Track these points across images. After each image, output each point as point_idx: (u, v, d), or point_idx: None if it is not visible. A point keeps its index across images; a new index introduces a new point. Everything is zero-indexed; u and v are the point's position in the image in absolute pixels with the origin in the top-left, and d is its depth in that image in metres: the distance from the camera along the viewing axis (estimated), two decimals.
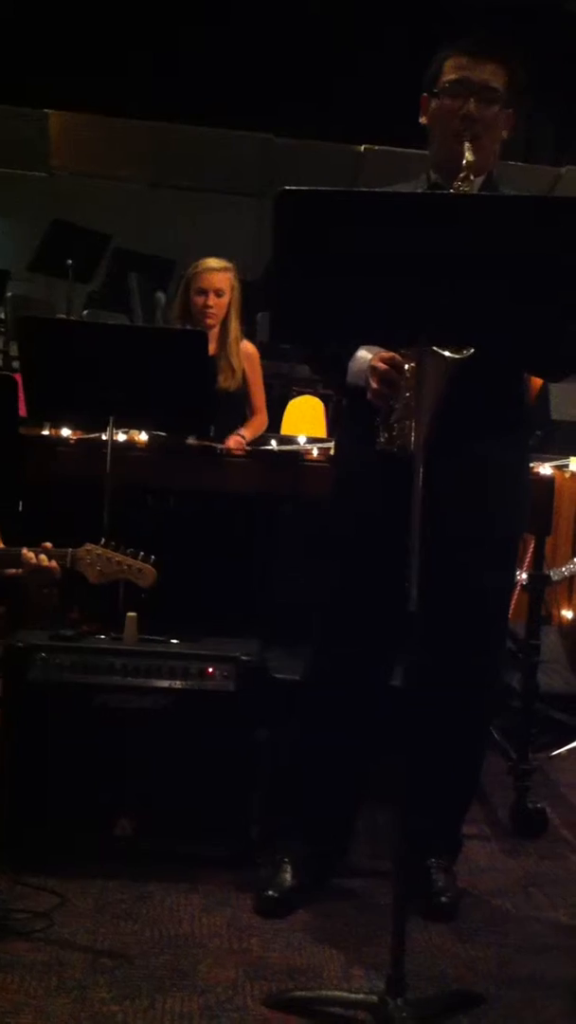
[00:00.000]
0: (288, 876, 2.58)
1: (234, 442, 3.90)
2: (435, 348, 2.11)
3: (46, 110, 8.58)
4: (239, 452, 3.65)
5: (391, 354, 2.36)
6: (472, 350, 2.13)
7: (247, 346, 4.22)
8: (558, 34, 8.66)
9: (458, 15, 7.33)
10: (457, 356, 2.14)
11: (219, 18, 8.47)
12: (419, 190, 2.50)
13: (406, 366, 2.32)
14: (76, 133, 8.77)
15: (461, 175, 2.30)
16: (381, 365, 2.36)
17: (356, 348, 2.46)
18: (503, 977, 2.34)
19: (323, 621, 2.64)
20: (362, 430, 2.46)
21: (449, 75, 2.43)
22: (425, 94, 2.48)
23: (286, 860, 2.61)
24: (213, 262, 4.07)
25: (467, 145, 2.33)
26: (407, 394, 2.32)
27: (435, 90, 2.45)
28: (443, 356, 2.13)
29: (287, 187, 1.98)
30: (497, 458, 2.51)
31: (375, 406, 2.39)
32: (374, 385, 2.36)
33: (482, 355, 2.15)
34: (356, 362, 2.45)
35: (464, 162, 2.31)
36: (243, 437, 4.03)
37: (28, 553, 2.50)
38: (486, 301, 2.05)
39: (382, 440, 2.39)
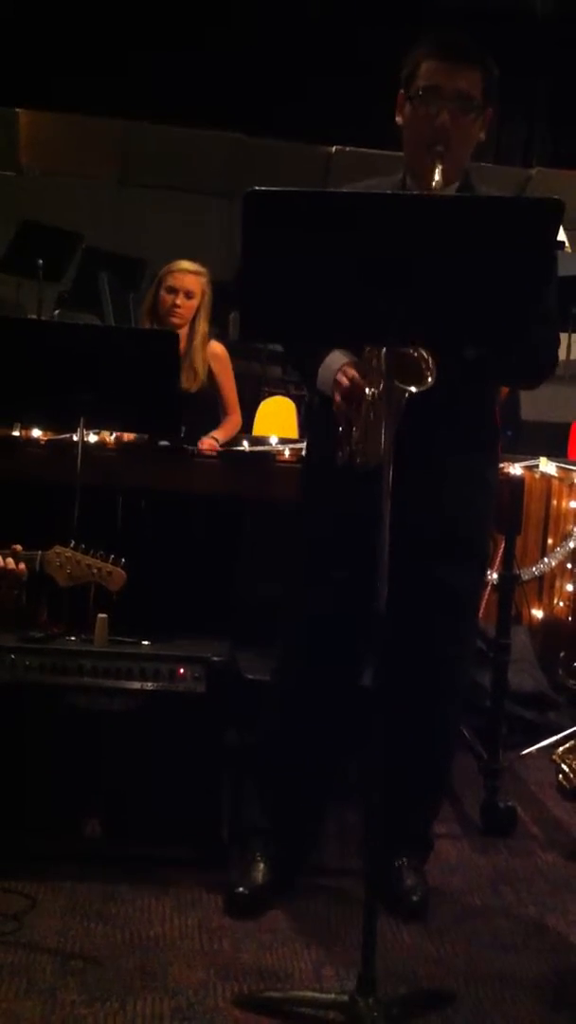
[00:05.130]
0: (260, 874, 2.59)
1: (207, 445, 3.90)
2: (397, 383, 2.12)
3: (16, 109, 8.54)
4: (210, 453, 3.65)
5: (354, 372, 2.37)
6: (431, 383, 2.14)
7: (215, 347, 4.23)
8: (528, 35, 8.71)
9: (430, 17, 7.37)
10: (418, 390, 2.15)
11: (191, 17, 8.46)
12: (392, 191, 2.50)
13: (367, 390, 2.33)
14: (46, 132, 8.73)
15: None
16: (344, 380, 2.36)
17: (326, 351, 2.47)
18: (473, 975, 2.35)
19: (292, 622, 2.64)
20: (330, 434, 2.46)
21: (423, 81, 2.38)
22: (402, 91, 2.45)
23: (257, 859, 2.61)
24: (187, 264, 4.10)
25: (438, 168, 2.30)
26: (370, 415, 2.33)
27: (409, 94, 2.42)
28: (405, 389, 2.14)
29: (255, 187, 1.98)
30: (460, 463, 2.52)
31: (337, 419, 2.40)
32: (337, 399, 2.37)
33: (446, 366, 2.16)
34: (325, 370, 2.45)
35: (432, 183, 2.29)
36: (216, 440, 4.03)
37: None
38: (452, 300, 2.07)
39: (341, 456, 2.40)
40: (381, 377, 2.19)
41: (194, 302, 4.08)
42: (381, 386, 2.21)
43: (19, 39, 8.10)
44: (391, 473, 2.10)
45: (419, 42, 2.42)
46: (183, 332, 4.06)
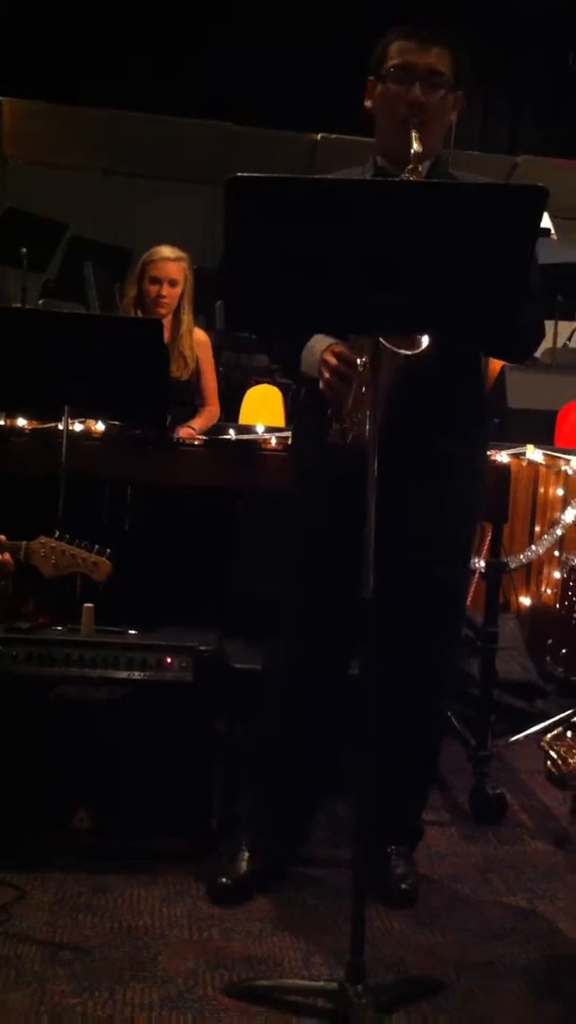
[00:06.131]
0: (244, 864, 2.58)
1: (184, 433, 3.88)
2: (388, 345, 2.11)
3: (0, 98, 8.49)
4: (195, 442, 3.64)
5: (342, 348, 2.36)
6: (425, 345, 2.13)
7: (199, 334, 4.22)
8: (515, 24, 8.69)
9: (413, 5, 7.33)
10: (411, 352, 2.13)
11: (177, 6, 8.42)
12: (367, 176, 2.50)
13: (358, 360, 2.32)
14: (30, 121, 8.68)
15: (409, 166, 2.29)
16: (332, 359, 2.35)
17: (309, 337, 2.45)
18: (462, 962, 2.35)
19: (281, 612, 2.63)
20: (318, 420, 2.45)
21: (394, 59, 2.40)
22: (371, 78, 2.46)
23: (244, 849, 2.60)
24: (167, 251, 4.07)
25: (414, 135, 2.30)
26: (362, 389, 2.31)
27: (380, 74, 2.43)
28: (395, 351, 2.12)
29: (239, 173, 1.97)
30: (450, 449, 2.51)
31: (326, 398, 2.39)
32: (326, 375, 2.36)
33: (436, 346, 2.15)
34: (309, 352, 2.44)
35: (412, 152, 2.29)
36: (193, 428, 4.01)
37: None
38: (438, 285, 2.06)
39: (333, 432, 2.39)
40: (371, 346, 2.18)
41: (178, 289, 4.07)
42: (370, 357, 2.19)
43: (3, 29, 8.04)
44: (376, 460, 2.09)
45: (387, 31, 2.44)
46: (168, 321, 4.04)
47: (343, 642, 2.51)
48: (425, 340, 2.13)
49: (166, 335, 3.98)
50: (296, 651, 2.58)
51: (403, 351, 2.13)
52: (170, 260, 4.05)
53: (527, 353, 2.62)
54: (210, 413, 4.23)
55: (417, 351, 2.13)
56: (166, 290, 4.03)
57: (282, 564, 2.64)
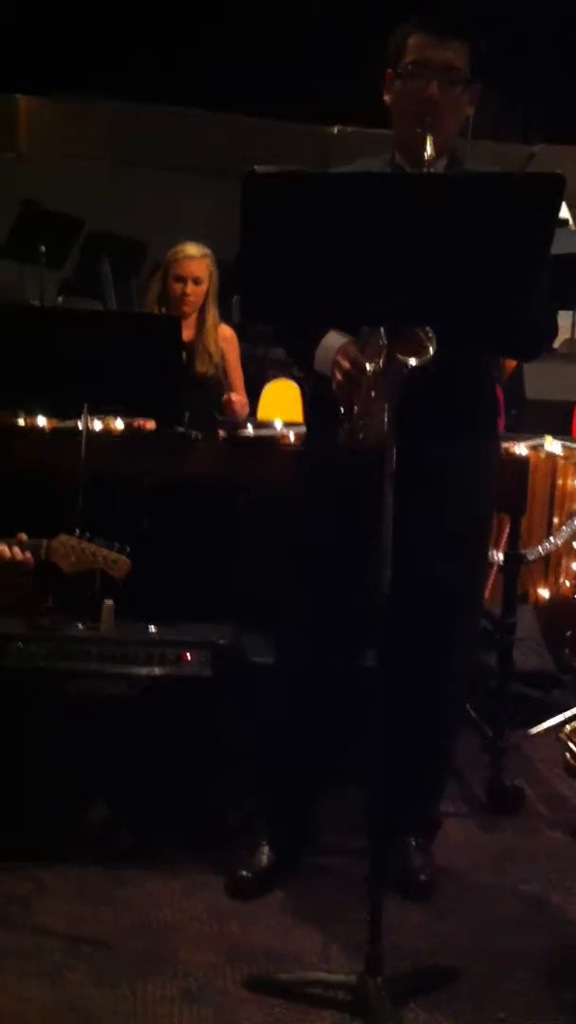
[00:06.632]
0: (263, 857, 2.60)
1: (235, 399, 3.94)
2: (397, 355, 2.12)
3: (15, 95, 8.51)
4: (239, 406, 3.86)
5: (354, 350, 2.37)
6: (432, 354, 2.14)
7: (225, 330, 4.22)
8: (525, 11, 8.62)
9: None
10: (419, 363, 2.14)
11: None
12: (385, 169, 2.50)
13: (368, 365, 2.33)
14: (45, 117, 8.70)
15: (424, 168, 2.29)
16: (344, 362, 2.36)
17: (323, 333, 2.47)
18: (479, 953, 2.37)
19: (293, 606, 2.64)
20: (330, 416, 2.47)
21: (411, 55, 2.39)
22: (389, 71, 2.45)
23: (262, 841, 2.62)
24: (192, 249, 4.06)
25: (429, 139, 2.30)
26: (371, 393, 2.32)
27: (397, 69, 2.42)
28: (406, 361, 2.14)
29: (255, 167, 1.98)
30: (457, 448, 2.52)
31: (337, 398, 2.41)
32: (338, 377, 2.37)
33: (446, 348, 2.16)
34: (323, 350, 2.45)
35: (425, 156, 2.29)
36: (239, 398, 4.06)
37: (1, 545, 2.49)
38: (451, 279, 2.06)
39: (343, 432, 2.40)
40: (381, 352, 2.19)
41: (203, 287, 4.05)
42: (382, 361, 2.21)
43: (17, 25, 8.05)
44: (394, 452, 2.11)
45: (405, 19, 2.43)
46: (193, 318, 4.06)
47: (351, 637, 2.52)
48: (432, 349, 2.13)
49: (191, 331, 4.02)
50: (304, 647, 2.59)
51: (412, 361, 2.13)
52: (194, 258, 4.03)
53: (538, 351, 2.61)
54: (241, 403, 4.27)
55: (426, 360, 2.14)
56: (190, 288, 4.02)
57: (293, 557, 2.66)
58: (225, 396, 3.98)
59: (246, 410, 4.27)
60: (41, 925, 2.39)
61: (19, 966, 2.22)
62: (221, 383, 4.20)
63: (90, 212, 7.13)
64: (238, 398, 3.99)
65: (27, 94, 8.50)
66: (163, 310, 4.07)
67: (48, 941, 2.32)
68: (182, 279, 4.03)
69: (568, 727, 3.53)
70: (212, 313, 4.12)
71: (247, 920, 2.45)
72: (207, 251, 4.09)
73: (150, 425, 3.61)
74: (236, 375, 4.28)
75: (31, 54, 8.09)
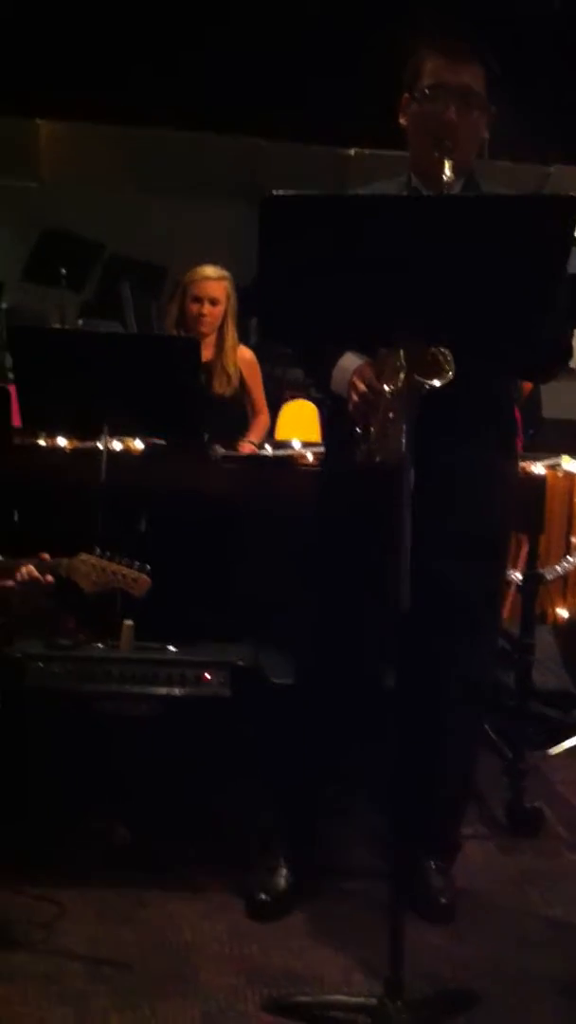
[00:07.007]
0: (282, 880, 2.60)
1: (247, 449, 3.93)
2: (415, 376, 2.13)
3: (36, 120, 8.59)
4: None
5: (369, 373, 2.38)
6: (450, 376, 2.15)
7: (245, 352, 4.26)
8: (541, 30, 8.65)
9: (443, 14, 7.33)
10: (436, 384, 2.15)
11: (206, 24, 8.47)
12: (401, 192, 2.52)
13: (385, 388, 2.34)
14: (65, 142, 8.77)
15: (441, 191, 2.30)
16: (360, 384, 2.38)
17: (340, 354, 2.48)
18: (500, 975, 2.36)
19: (310, 625, 2.65)
20: (347, 436, 2.48)
21: (428, 79, 2.41)
22: (406, 93, 2.48)
23: (280, 863, 2.62)
24: (209, 270, 4.10)
25: (448, 163, 2.32)
26: (388, 414, 2.33)
27: (414, 93, 2.45)
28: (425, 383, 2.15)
29: (273, 191, 2.00)
30: (477, 460, 2.52)
31: (354, 419, 2.42)
32: (354, 398, 2.38)
33: (463, 366, 2.17)
34: (340, 371, 2.46)
35: (444, 179, 2.31)
36: (253, 444, 4.05)
37: (24, 566, 2.50)
38: (468, 301, 2.07)
39: (360, 452, 2.41)
40: (399, 373, 2.20)
41: (220, 308, 4.10)
42: (399, 382, 2.22)
43: (37, 51, 8.14)
44: (412, 472, 2.11)
45: (420, 41, 2.46)
46: (212, 339, 4.09)
47: (369, 656, 2.52)
48: (451, 371, 2.14)
49: (210, 352, 4.06)
50: (322, 666, 2.60)
51: (431, 382, 2.14)
52: (211, 279, 4.08)
53: (555, 370, 2.60)
54: (262, 422, 4.32)
55: (445, 382, 2.15)
56: (207, 309, 4.06)
57: (312, 576, 2.67)
58: (241, 445, 3.99)
59: (267, 426, 4.34)
60: (64, 948, 2.39)
61: (43, 990, 2.22)
62: (241, 403, 4.23)
63: (110, 237, 7.19)
64: (251, 449, 4.01)
65: (48, 119, 8.57)
66: (181, 332, 4.11)
67: (71, 964, 2.32)
68: (199, 300, 4.07)
69: None
70: (231, 334, 4.16)
71: (267, 942, 2.45)
72: (225, 273, 4.13)
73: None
74: (259, 395, 4.33)
75: (52, 79, 8.17)
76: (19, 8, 7.99)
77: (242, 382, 4.22)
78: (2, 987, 2.22)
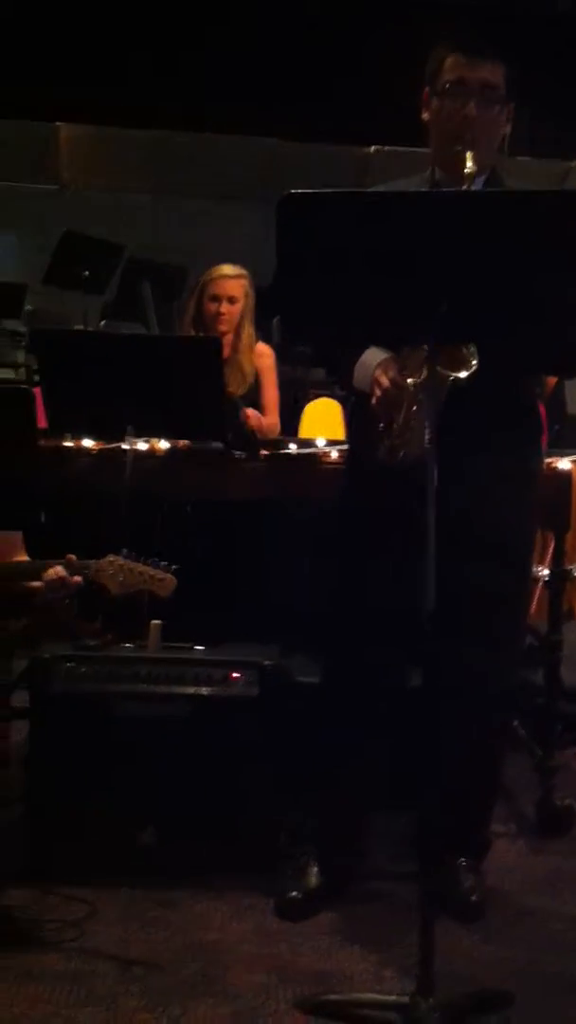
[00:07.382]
0: (312, 878, 2.60)
1: (251, 411, 3.90)
2: (439, 368, 2.12)
3: (56, 123, 8.63)
4: (255, 420, 3.81)
5: (392, 368, 2.38)
6: (475, 367, 2.14)
7: (262, 347, 4.23)
8: (560, 27, 8.62)
9: (458, 12, 7.31)
10: (461, 376, 2.14)
11: (223, 26, 8.48)
12: (423, 187, 2.51)
13: (409, 381, 2.33)
14: (85, 145, 8.81)
15: (464, 186, 2.30)
16: (383, 379, 2.37)
17: (362, 349, 2.47)
18: (530, 975, 2.34)
19: (337, 625, 2.64)
20: (371, 432, 2.47)
21: (448, 75, 2.43)
22: (427, 88, 2.49)
23: (310, 862, 2.62)
24: (228, 269, 4.10)
25: (469, 155, 2.32)
26: (412, 408, 2.32)
27: (435, 89, 2.46)
28: (449, 375, 2.13)
29: (291, 191, 2.00)
30: (501, 456, 2.51)
31: (377, 415, 2.41)
32: (377, 393, 2.37)
33: (486, 362, 2.15)
34: (362, 367, 2.46)
35: (465, 171, 2.31)
36: (259, 417, 4.00)
37: (51, 568, 2.51)
38: (491, 298, 2.06)
39: (383, 449, 2.40)
40: (422, 366, 2.19)
41: (238, 306, 4.08)
42: (422, 375, 2.21)
43: (57, 55, 8.17)
44: (435, 467, 2.10)
45: (441, 39, 2.47)
46: (229, 337, 4.08)
47: (397, 655, 2.51)
48: (475, 362, 2.13)
49: (227, 351, 4.01)
50: (349, 666, 2.59)
51: (455, 374, 2.13)
52: (229, 277, 4.07)
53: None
54: (269, 423, 4.20)
55: (469, 374, 2.14)
56: (225, 307, 4.06)
57: (337, 575, 2.66)
58: (242, 410, 3.93)
59: (276, 431, 4.22)
60: (95, 948, 2.39)
61: (73, 990, 2.23)
62: (254, 404, 4.19)
63: (130, 239, 7.21)
64: (254, 412, 3.96)
65: (68, 122, 8.61)
66: (198, 331, 4.10)
67: (101, 965, 2.32)
68: (217, 299, 4.06)
69: None
70: (248, 332, 4.14)
71: (297, 942, 2.45)
72: (243, 271, 4.12)
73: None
74: (269, 394, 4.25)
75: (72, 82, 8.21)
76: (39, 13, 8.03)
77: (256, 381, 4.20)
78: (32, 987, 2.23)
